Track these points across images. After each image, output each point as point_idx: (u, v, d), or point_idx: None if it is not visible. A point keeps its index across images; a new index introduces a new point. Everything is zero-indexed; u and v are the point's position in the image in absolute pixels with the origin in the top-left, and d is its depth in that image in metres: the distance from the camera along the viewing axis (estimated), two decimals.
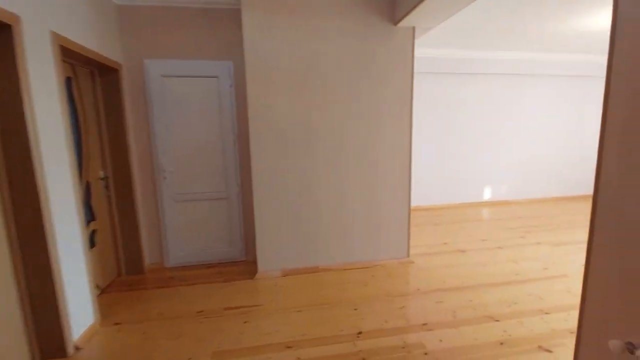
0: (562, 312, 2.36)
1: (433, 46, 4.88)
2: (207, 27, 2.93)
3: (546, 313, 2.36)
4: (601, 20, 3.72)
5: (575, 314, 2.30)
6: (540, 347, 2.00)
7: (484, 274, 3.01)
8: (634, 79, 0.91)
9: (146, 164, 3.05)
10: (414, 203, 5.45)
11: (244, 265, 3.26)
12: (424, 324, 2.25)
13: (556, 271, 3.04)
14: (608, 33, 4.21)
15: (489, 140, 5.68)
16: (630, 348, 1.18)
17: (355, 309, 2.45)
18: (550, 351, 1.96)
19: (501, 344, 2.03)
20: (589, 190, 6.35)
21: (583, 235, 4.00)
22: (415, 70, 5.04)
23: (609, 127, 1.09)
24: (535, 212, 5.20)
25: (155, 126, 2.97)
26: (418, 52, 4.95)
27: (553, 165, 6.04)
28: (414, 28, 2.90)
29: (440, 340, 2.08)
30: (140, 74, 2.90)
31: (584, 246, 3.63)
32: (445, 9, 2.51)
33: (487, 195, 5.83)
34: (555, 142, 5.99)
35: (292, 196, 2.94)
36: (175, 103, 2.99)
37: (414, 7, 2.48)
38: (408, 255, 3.29)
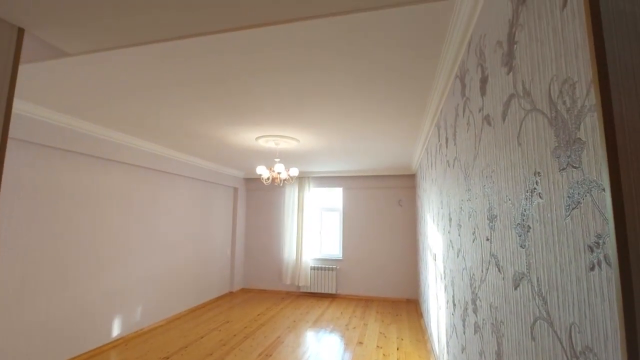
0: None
1: (36, 101, 2.95)
2: None
3: None
4: (244, 140, 3.88)
5: None
6: None
7: None
8: None
9: None
10: None
11: None
12: None
13: None
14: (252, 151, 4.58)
15: (114, 253, 4.15)
16: None
17: None
18: None
19: None
20: (221, 292, 6.40)
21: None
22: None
23: None
24: (182, 335, 4.21)
25: None
26: None
27: (189, 273, 5.52)
28: (23, 31, 1.24)
29: None
30: None
31: None
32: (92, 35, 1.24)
33: (116, 330, 4.06)
34: (189, 248, 5.60)
35: None
36: None
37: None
38: None
